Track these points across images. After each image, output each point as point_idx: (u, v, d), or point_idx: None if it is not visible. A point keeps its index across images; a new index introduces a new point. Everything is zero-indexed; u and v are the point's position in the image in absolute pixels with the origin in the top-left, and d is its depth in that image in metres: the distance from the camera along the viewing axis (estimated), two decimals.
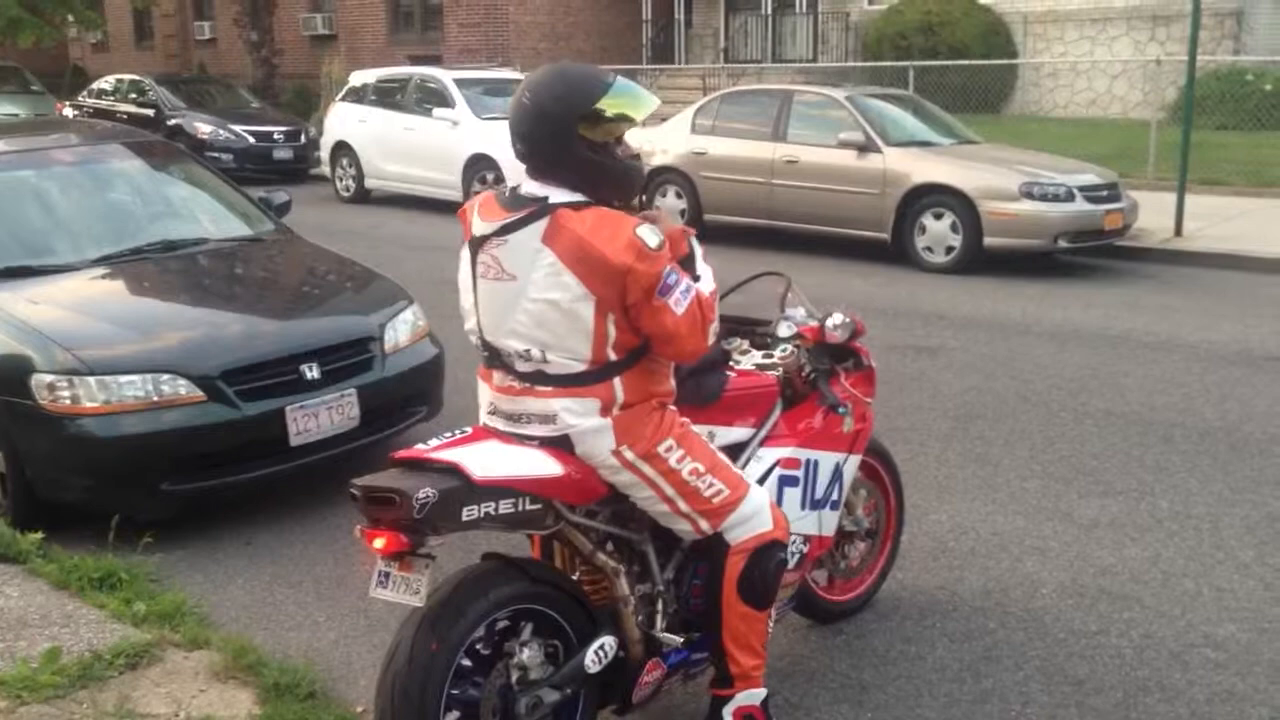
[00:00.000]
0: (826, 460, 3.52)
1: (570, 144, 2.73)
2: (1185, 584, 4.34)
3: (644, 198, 11.67)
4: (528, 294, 2.75)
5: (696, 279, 2.84)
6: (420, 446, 2.81)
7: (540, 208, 2.73)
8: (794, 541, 3.31)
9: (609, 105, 2.74)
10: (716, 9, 24.02)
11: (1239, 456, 5.67)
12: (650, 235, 2.70)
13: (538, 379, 2.84)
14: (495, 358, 2.90)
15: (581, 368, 2.79)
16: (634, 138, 2.92)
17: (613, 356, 2.79)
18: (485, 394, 2.99)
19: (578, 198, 2.75)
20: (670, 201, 12.17)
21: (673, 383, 2.98)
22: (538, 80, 2.78)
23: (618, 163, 2.82)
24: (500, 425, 2.94)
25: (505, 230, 2.76)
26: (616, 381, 2.81)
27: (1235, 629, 4.00)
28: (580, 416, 2.81)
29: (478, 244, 2.83)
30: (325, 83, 21.62)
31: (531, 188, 2.80)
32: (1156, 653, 3.85)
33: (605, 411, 2.81)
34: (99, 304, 5.25)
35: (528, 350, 2.80)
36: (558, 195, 2.75)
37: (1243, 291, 9.56)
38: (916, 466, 5.51)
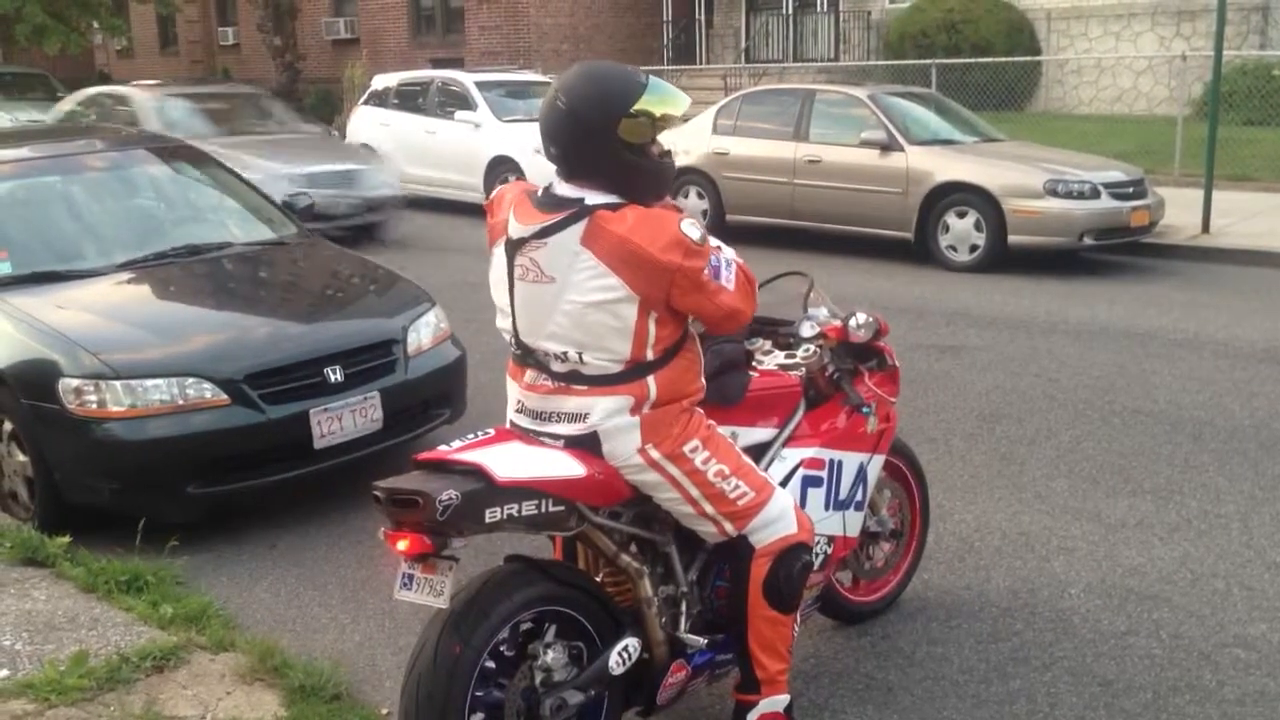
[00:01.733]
0: (850, 460, 3.51)
1: (609, 146, 2.73)
2: (1215, 584, 4.30)
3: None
4: (567, 296, 2.75)
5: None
6: (443, 448, 2.82)
7: (578, 210, 2.73)
8: (818, 542, 3.30)
9: (648, 105, 2.73)
10: (737, 9, 23.99)
11: (1269, 454, 5.61)
12: (693, 229, 2.71)
13: (572, 379, 2.84)
14: (528, 356, 2.90)
15: (618, 368, 2.79)
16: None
17: (650, 356, 2.80)
18: (514, 391, 2.99)
19: (613, 199, 2.75)
20: (692, 202, 12.16)
21: (703, 381, 2.97)
22: (572, 83, 2.77)
23: (653, 162, 2.83)
24: (526, 423, 2.94)
25: (543, 233, 2.76)
26: (651, 380, 2.81)
27: (1266, 629, 3.95)
28: (611, 415, 2.81)
29: (515, 247, 2.82)
30: (348, 86, 21.69)
31: (565, 189, 2.80)
32: (1186, 653, 3.81)
33: (636, 409, 2.81)
34: (124, 308, 5.29)
35: (565, 352, 2.80)
36: (594, 197, 2.74)
37: (1271, 288, 9.47)
38: (941, 466, 5.48)
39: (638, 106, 2.72)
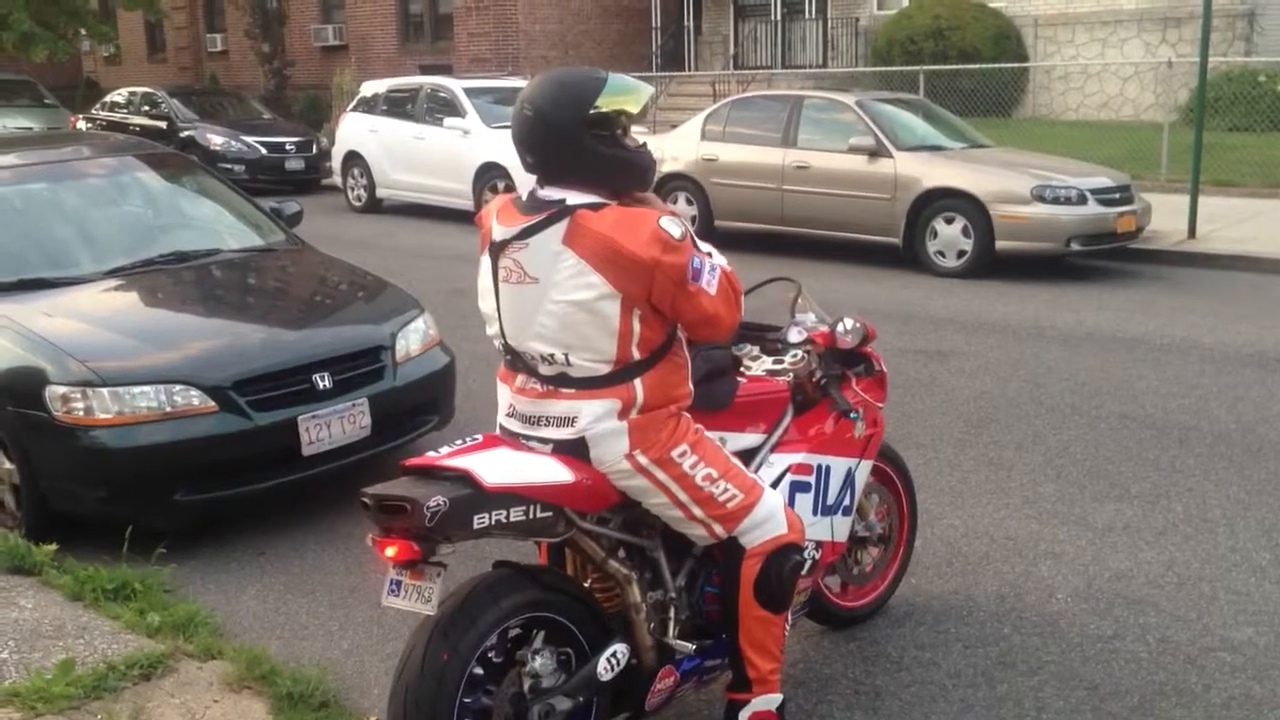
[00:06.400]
0: (838, 466, 3.51)
1: (581, 145, 2.76)
2: (1201, 588, 4.32)
3: None
4: (550, 296, 2.77)
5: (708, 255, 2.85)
6: (431, 454, 2.82)
7: (559, 210, 2.75)
8: (806, 547, 3.30)
9: (607, 102, 2.77)
10: (726, 15, 24.05)
11: (1254, 459, 5.64)
12: (673, 226, 2.73)
13: (561, 381, 2.85)
14: (518, 361, 2.91)
15: (605, 370, 2.81)
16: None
17: (636, 355, 2.81)
18: (505, 396, 3.00)
19: (595, 199, 2.77)
20: (681, 208, 12.17)
21: (691, 385, 2.98)
22: (534, 92, 2.81)
23: (629, 152, 2.86)
24: (516, 427, 2.95)
25: (525, 234, 2.78)
26: (638, 383, 2.82)
27: (1252, 632, 3.97)
28: (599, 419, 2.82)
29: (498, 249, 2.85)
30: (336, 93, 21.69)
31: (547, 192, 2.82)
32: (1173, 657, 3.82)
33: (624, 414, 2.82)
34: (112, 315, 5.26)
35: (552, 354, 2.82)
36: (575, 197, 2.77)
37: (1257, 292, 9.52)
38: (929, 471, 5.49)
39: (599, 101, 2.75)
